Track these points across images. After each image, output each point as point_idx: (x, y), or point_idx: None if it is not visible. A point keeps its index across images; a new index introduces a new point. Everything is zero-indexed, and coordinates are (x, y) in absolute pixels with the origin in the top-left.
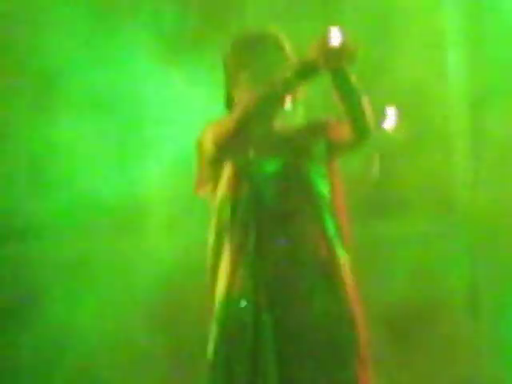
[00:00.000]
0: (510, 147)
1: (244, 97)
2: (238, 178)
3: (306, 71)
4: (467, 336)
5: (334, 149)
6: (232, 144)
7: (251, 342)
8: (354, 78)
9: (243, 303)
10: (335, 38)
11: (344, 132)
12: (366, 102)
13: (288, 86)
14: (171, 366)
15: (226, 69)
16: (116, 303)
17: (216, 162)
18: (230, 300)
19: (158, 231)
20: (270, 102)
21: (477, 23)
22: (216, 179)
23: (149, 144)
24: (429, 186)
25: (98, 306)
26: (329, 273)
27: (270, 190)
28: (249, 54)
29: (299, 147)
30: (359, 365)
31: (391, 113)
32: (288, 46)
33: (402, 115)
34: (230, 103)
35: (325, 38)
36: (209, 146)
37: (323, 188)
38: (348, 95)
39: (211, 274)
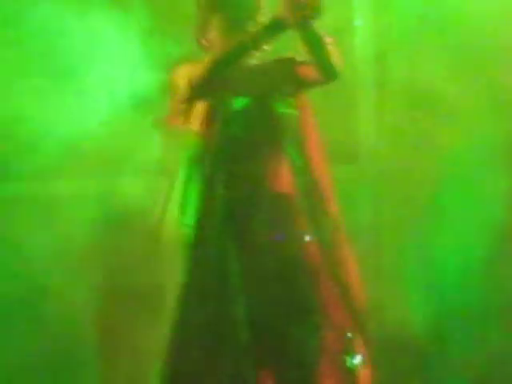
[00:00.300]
0: (412, 97)
1: (216, 43)
2: (210, 115)
3: (275, 27)
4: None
5: (302, 85)
6: (206, 87)
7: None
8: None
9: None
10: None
11: (312, 72)
12: (331, 48)
13: (258, 42)
14: None
15: (200, 9)
16: None
17: (190, 101)
18: (199, 229)
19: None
20: (241, 55)
21: None
22: (187, 114)
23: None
24: (336, 135)
25: None
26: (286, 208)
27: (239, 125)
28: None
29: (267, 84)
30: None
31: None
32: None
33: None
34: (200, 35)
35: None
36: (183, 86)
37: (289, 111)
38: (315, 46)
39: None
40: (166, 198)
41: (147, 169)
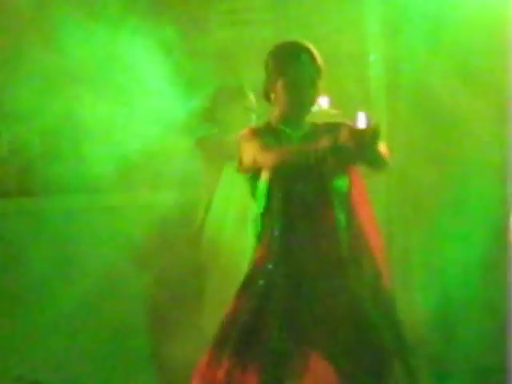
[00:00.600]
0: (418, 102)
1: (277, 111)
2: (272, 180)
3: (339, 151)
4: None
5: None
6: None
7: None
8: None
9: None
10: (361, 122)
11: None
12: (383, 151)
13: (319, 161)
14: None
15: (267, 69)
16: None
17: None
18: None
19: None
20: (300, 165)
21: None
22: (255, 174)
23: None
24: None
25: None
26: (333, 260)
27: (297, 189)
28: (287, 64)
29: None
30: None
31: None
32: (320, 61)
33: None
34: (267, 93)
35: (353, 125)
36: (247, 158)
37: (341, 186)
38: (371, 159)
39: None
40: (206, 208)
41: (187, 182)
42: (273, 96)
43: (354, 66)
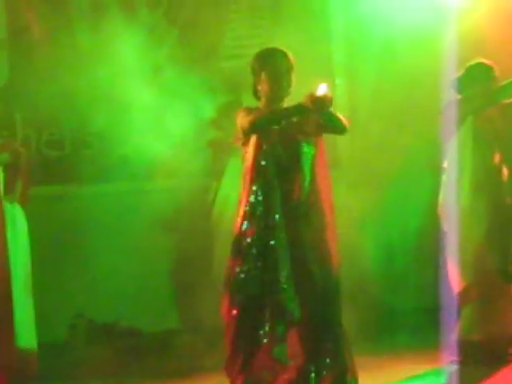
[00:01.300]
0: (374, 106)
1: (262, 99)
2: (258, 143)
3: (301, 110)
4: None
5: (315, 129)
6: (250, 132)
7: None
8: (331, 110)
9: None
10: (319, 91)
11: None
12: (342, 118)
13: (287, 117)
14: None
15: (253, 70)
16: None
17: (245, 135)
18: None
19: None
20: (274, 123)
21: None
22: (245, 140)
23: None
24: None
25: None
26: (309, 221)
27: (277, 154)
28: (267, 61)
29: (294, 127)
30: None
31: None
32: (291, 57)
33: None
34: (255, 91)
35: (312, 93)
36: (241, 126)
37: (308, 152)
38: (331, 123)
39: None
40: (215, 191)
41: (202, 172)
42: (259, 89)
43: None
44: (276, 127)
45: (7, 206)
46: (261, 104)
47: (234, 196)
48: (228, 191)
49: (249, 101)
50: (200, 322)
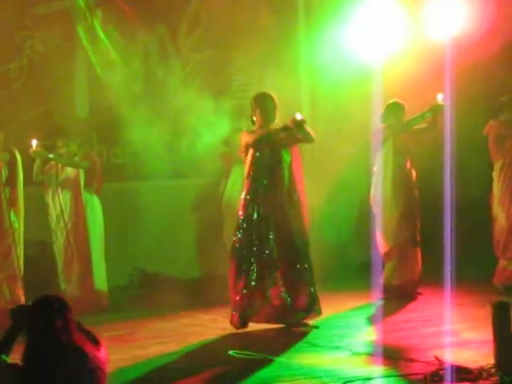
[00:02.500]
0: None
1: (257, 125)
2: (253, 153)
3: (285, 128)
4: None
5: (293, 141)
6: (252, 146)
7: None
8: (305, 128)
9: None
10: (298, 117)
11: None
12: (310, 131)
13: (277, 134)
14: None
15: (251, 106)
16: None
17: (246, 149)
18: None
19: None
20: (267, 139)
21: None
22: (246, 152)
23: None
24: None
25: None
26: (290, 204)
27: (266, 160)
28: (261, 101)
29: (277, 141)
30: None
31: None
32: (276, 100)
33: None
34: (252, 119)
35: (294, 117)
36: (244, 143)
37: (287, 158)
38: (303, 133)
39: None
40: (224, 186)
41: (216, 174)
42: (254, 119)
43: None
44: (267, 141)
45: (87, 195)
46: (255, 128)
47: (237, 190)
48: (233, 187)
49: (247, 126)
50: (215, 271)
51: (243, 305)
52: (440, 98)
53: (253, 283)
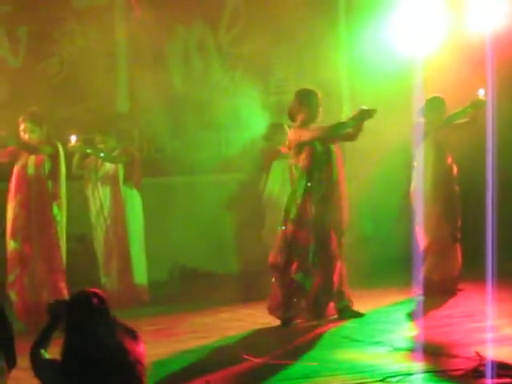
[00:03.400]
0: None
1: (300, 121)
2: (310, 151)
3: (356, 120)
4: None
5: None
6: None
7: None
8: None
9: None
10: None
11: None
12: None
13: (348, 125)
14: None
15: (296, 102)
16: None
17: (295, 146)
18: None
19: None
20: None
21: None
22: (297, 147)
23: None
24: None
25: None
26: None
27: (322, 155)
28: (305, 98)
29: (338, 136)
30: None
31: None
32: (320, 97)
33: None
34: (292, 115)
35: (362, 108)
36: (292, 140)
37: (334, 151)
38: (357, 131)
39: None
40: (264, 182)
41: (257, 168)
42: (296, 115)
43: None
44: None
45: (127, 190)
46: (296, 124)
47: (277, 186)
48: (273, 183)
49: (288, 121)
50: (252, 267)
51: (290, 302)
52: (481, 93)
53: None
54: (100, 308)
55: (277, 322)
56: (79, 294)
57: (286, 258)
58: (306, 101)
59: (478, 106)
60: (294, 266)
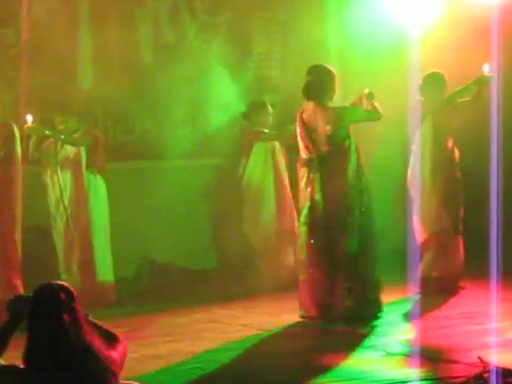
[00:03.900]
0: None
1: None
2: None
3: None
4: None
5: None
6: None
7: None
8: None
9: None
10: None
11: None
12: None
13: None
14: None
15: (327, 79)
16: None
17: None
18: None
19: None
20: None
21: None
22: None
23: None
24: None
25: None
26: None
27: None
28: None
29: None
30: None
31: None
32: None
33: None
34: (307, 94)
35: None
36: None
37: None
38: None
39: None
40: (244, 167)
41: (236, 152)
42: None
43: None
44: None
45: (90, 176)
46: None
47: (258, 172)
48: (254, 167)
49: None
50: (230, 262)
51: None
52: (486, 68)
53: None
54: (69, 305)
55: (257, 324)
56: (44, 288)
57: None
58: (335, 79)
59: (483, 82)
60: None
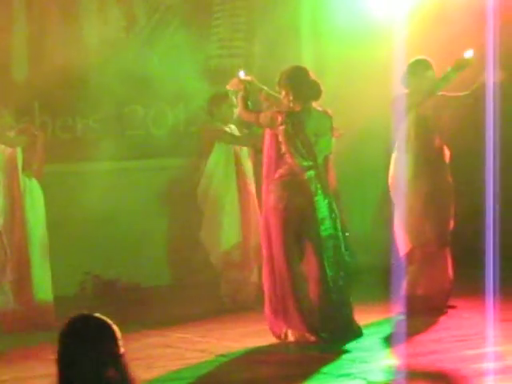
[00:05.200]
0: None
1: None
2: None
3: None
4: None
5: None
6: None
7: None
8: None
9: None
10: (468, 55)
11: None
12: None
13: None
14: None
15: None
16: None
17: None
18: None
19: None
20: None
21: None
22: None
23: None
24: None
25: None
26: None
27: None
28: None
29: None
30: None
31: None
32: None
33: None
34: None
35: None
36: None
37: None
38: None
39: None
40: (201, 170)
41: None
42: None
43: None
44: None
45: (25, 180)
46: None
47: (219, 173)
48: (213, 169)
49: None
50: (188, 277)
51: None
52: (469, 54)
53: None
54: (114, 349)
55: (217, 350)
56: (79, 323)
57: None
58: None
59: (462, 66)
60: None
